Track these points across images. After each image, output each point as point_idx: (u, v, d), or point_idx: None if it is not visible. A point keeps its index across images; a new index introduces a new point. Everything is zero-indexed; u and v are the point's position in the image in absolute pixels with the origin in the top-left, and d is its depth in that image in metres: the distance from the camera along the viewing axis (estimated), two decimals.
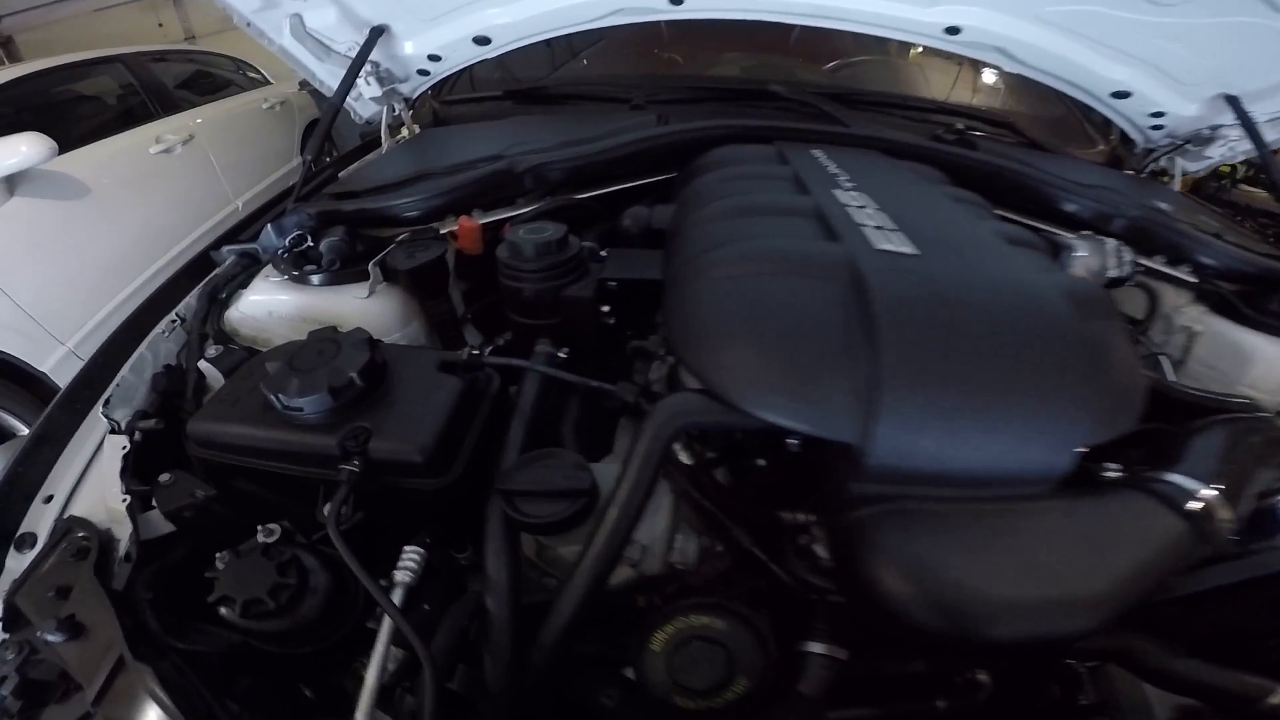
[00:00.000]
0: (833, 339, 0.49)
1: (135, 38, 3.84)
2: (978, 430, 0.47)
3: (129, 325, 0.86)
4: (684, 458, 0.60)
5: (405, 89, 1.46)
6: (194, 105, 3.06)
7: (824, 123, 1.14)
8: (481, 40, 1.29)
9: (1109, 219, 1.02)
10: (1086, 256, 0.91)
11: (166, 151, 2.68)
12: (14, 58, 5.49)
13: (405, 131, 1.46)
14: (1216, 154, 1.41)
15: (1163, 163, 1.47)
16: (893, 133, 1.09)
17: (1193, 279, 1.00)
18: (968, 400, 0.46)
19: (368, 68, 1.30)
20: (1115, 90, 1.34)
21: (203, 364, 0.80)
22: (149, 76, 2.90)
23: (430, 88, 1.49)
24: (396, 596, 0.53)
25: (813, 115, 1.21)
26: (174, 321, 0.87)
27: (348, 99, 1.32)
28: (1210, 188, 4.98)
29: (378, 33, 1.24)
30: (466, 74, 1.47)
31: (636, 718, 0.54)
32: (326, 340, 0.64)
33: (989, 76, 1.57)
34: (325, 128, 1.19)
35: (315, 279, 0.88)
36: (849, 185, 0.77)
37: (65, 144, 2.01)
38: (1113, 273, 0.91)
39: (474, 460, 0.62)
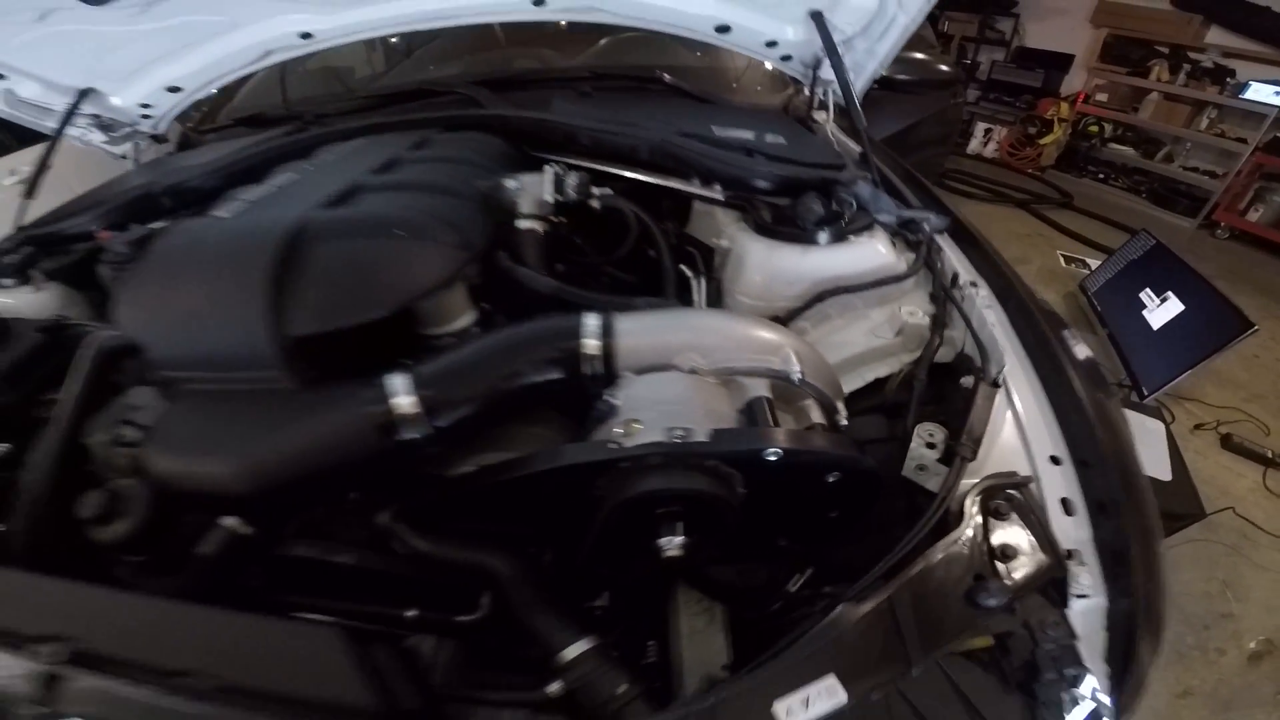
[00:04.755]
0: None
1: None
2: (191, 326, 0.67)
3: None
4: None
5: (145, 128, 1.81)
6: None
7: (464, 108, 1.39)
8: (174, 89, 1.64)
9: (634, 150, 1.10)
10: (519, 187, 0.98)
11: (22, 183, 2.98)
12: None
13: None
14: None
15: (820, 96, 1.56)
16: (478, 110, 1.35)
17: (718, 196, 1.06)
18: (179, 304, 0.70)
19: (89, 120, 1.65)
20: (717, 25, 1.40)
21: None
22: None
23: (181, 117, 1.82)
24: None
25: (463, 102, 1.45)
26: None
27: (98, 144, 1.69)
28: (1082, 147, 5.40)
29: (83, 94, 1.58)
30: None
31: None
32: None
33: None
34: (35, 173, 1.54)
35: (6, 282, 1.23)
36: (300, 168, 1.05)
37: None
38: (556, 198, 0.99)
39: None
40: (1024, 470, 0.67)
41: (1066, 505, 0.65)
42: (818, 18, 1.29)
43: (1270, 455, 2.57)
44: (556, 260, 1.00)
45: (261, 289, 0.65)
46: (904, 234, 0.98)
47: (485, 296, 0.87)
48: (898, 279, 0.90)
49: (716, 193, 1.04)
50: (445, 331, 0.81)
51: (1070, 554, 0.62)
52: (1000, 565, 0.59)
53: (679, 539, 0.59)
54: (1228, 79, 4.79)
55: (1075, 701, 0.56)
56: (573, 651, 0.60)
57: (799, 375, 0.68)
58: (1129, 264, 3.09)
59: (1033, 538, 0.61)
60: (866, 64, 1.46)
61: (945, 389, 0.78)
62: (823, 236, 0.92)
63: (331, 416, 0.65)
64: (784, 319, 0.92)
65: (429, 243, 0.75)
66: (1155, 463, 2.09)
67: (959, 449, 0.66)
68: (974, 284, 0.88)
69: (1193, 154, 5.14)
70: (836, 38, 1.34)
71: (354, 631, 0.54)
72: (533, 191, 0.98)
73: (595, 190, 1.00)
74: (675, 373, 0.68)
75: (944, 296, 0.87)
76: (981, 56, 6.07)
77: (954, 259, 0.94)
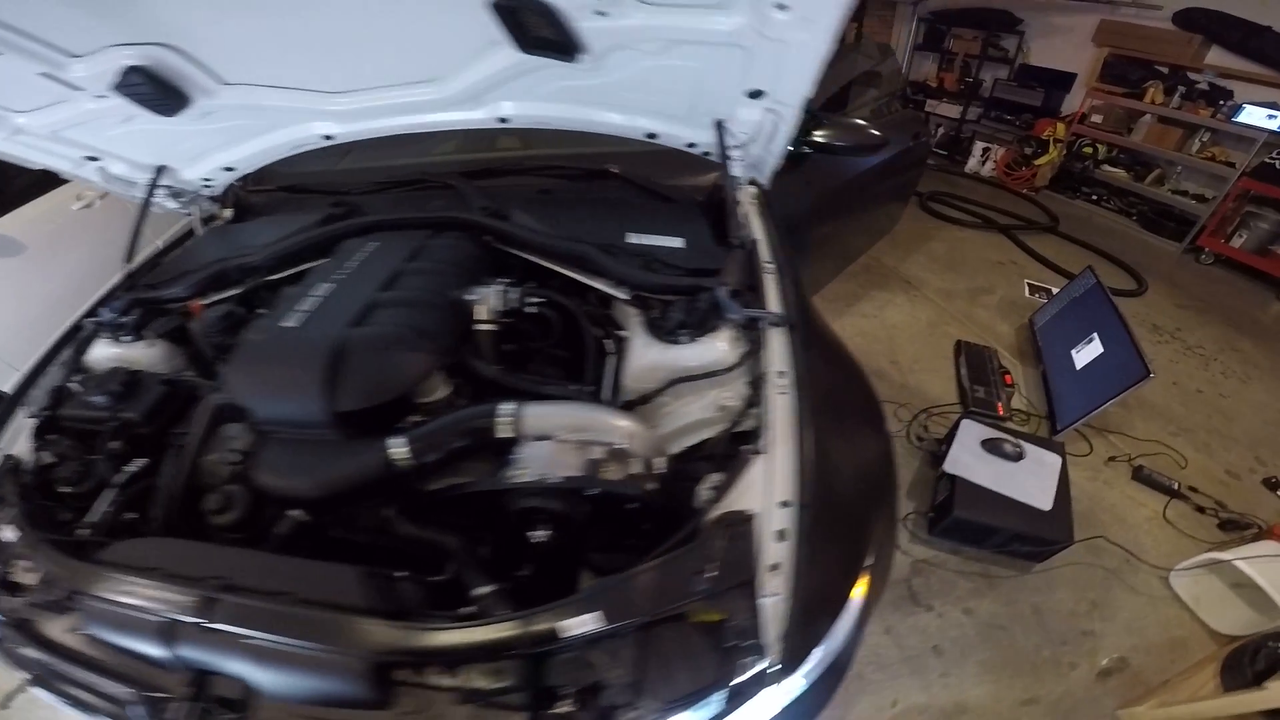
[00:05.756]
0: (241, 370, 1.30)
1: None
2: (278, 402, 1.21)
3: (36, 367, 1.57)
4: None
5: (206, 193, 2.32)
6: None
7: (452, 202, 1.85)
8: (228, 168, 2.14)
9: (559, 254, 1.56)
10: (478, 299, 1.45)
11: (87, 207, 3.50)
12: None
13: (219, 218, 2.31)
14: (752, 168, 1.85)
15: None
16: (457, 214, 1.76)
17: (625, 296, 1.47)
18: (270, 387, 1.22)
19: (165, 190, 2.15)
20: (647, 133, 1.77)
21: (70, 385, 1.49)
22: None
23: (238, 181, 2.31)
24: None
25: (452, 196, 1.91)
26: (61, 364, 1.56)
27: (172, 207, 2.20)
28: (1076, 169, 5.62)
29: (159, 170, 2.08)
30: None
31: None
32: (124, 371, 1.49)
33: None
34: (132, 238, 1.98)
35: (125, 338, 1.75)
36: (333, 277, 1.44)
37: None
38: (503, 306, 1.46)
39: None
40: (758, 509, 1.05)
41: (782, 534, 1.02)
42: (719, 125, 1.69)
43: (1177, 487, 2.76)
44: (507, 342, 1.50)
45: (320, 384, 1.17)
46: (746, 329, 1.40)
47: (455, 374, 1.39)
48: (727, 370, 1.33)
49: (624, 292, 1.50)
50: (429, 400, 1.35)
51: (775, 566, 0.99)
52: (717, 568, 0.96)
53: (542, 531, 1.12)
54: (1222, 101, 4.89)
55: (752, 665, 0.90)
56: (482, 591, 1.07)
57: (624, 445, 1.17)
58: (1071, 302, 3.38)
59: (743, 553, 0.99)
60: (766, 159, 1.86)
61: (741, 448, 1.21)
62: (683, 338, 1.36)
63: (363, 457, 1.18)
64: (653, 394, 1.37)
65: (418, 353, 1.28)
66: (1040, 493, 2.38)
67: (715, 492, 1.09)
68: (781, 373, 1.27)
69: (1184, 177, 5.31)
70: (734, 141, 1.74)
71: (365, 571, 1.02)
72: (486, 302, 1.47)
73: (529, 299, 1.51)
74: (551, 441, 1.18)
75: (755, 384, 1.30)
76: (985, 74, 6.30)
77: (776, 350, 1.31)
